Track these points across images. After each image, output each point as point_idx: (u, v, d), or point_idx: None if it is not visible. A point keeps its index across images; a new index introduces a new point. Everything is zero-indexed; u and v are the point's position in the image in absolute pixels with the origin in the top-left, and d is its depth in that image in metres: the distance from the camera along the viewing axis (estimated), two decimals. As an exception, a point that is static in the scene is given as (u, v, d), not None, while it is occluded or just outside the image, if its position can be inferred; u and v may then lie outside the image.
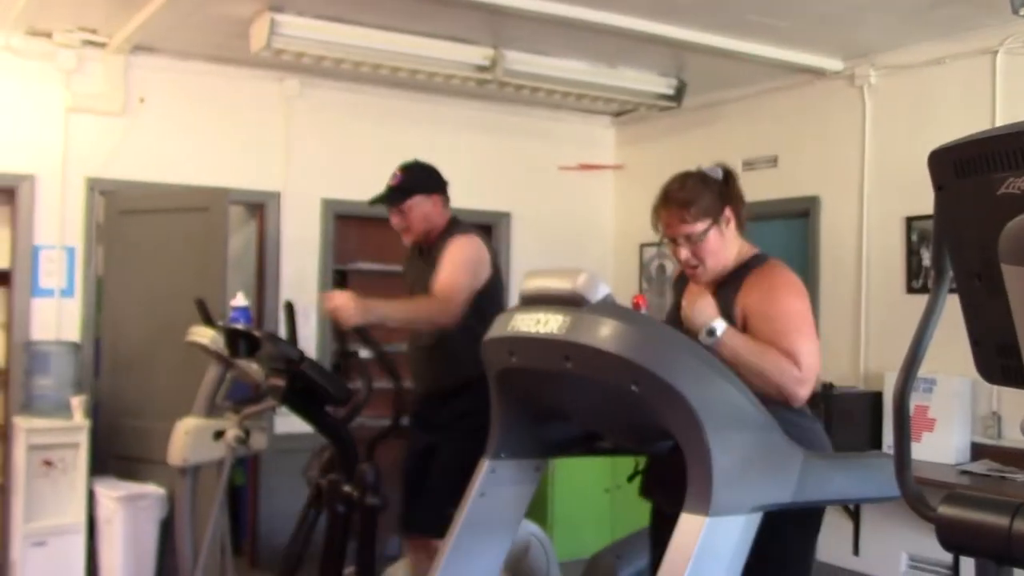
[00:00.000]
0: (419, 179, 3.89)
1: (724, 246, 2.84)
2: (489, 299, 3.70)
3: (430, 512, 3.66)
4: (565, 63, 5.97)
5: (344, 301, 3.39)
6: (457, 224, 3.94)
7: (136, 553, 5.16)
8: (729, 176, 2.92)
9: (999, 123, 4.66)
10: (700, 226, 2.80)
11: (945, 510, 1.35)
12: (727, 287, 2.82)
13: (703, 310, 2.65)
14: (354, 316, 3.38)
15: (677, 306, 2.99)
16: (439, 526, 3.50)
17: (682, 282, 3.06)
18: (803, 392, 2.62)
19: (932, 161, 1.32)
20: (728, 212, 2.84)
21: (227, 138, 6.09)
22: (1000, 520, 1.29)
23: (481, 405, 2.54)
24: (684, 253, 2.84)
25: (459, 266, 3.68)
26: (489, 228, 6.82)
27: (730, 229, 2.85)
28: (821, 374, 3.02)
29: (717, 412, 1.90)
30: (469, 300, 3.64)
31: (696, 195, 2.82)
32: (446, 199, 3.94)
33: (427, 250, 3.91)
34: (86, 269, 5.70)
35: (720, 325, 2.61)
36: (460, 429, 3.55)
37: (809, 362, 2.63)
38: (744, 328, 2.72)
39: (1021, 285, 1.18)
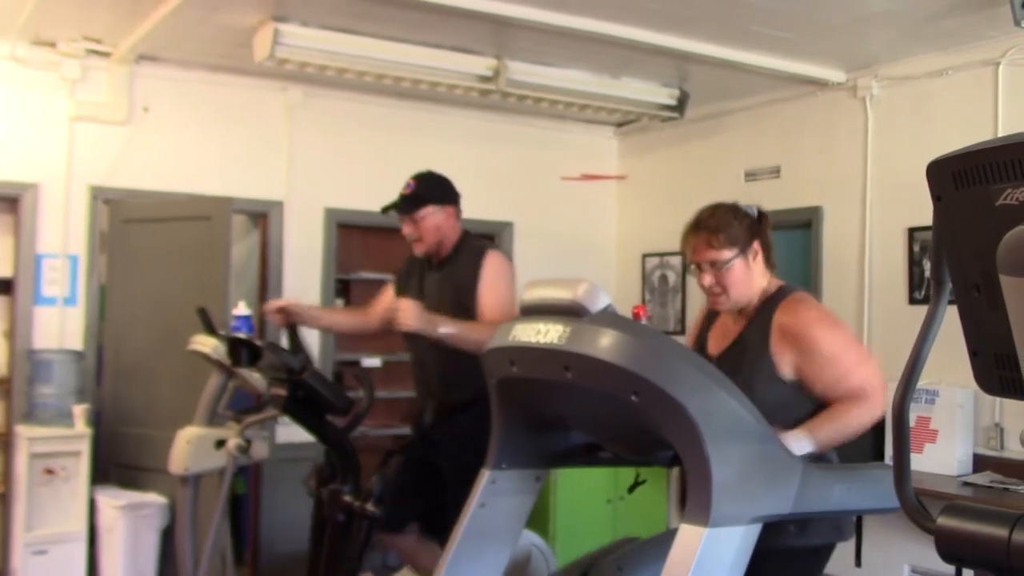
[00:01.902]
0: (432, 189, 3.88)
1: (749, 278, 2.88)
2: None
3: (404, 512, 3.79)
4: (568, 73, 5.98)
5: (410, 305, 3.50)
6: (471, 237, 3.96)
7: (137, 562, 5.16)
8: (762, 216, 2.96)
9: (1001, 134, 4.67)
10: (727, 254, 2.84)
11: (944, 521, 1.35)
12: (756, 322, 2.85)
13: (793, 443, 2.55)
14: (414, 321, 3.47)
15: (703, 334, 3.07)
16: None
17: (710, 318, 3.09)
18: (882, 411, 2.73)
19: (931, 172, 1.32)
20: (756, 246, 2.88)
21: (230, 147, 6.11)
22: (999, 531, 1.28)
23: (487, 421, 2.54)
24: (708, 279, 2.87)
25: (504, 289, 3.73)
26: (492, 238, 6.83)
27: (757, 263, 2.89)
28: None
29: (717, 423, 1.90)
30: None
31: (726, 224, 2.87)
32: (458, 211, 3.94)
33: (441, 264, 3.91)
34: (89, 278, 5.71)
35: (805, 445, 2.58)
36: (464, 445, 3.55)
37: (875, 385, 2.74)
38: (795, 373, 2.76)
39: (1020, 296, 1.18)
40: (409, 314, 3.49)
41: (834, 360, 2.74)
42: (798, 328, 2.77)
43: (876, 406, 2.72)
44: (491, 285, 3.72)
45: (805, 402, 2.76)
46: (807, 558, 2.81)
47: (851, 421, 2.70)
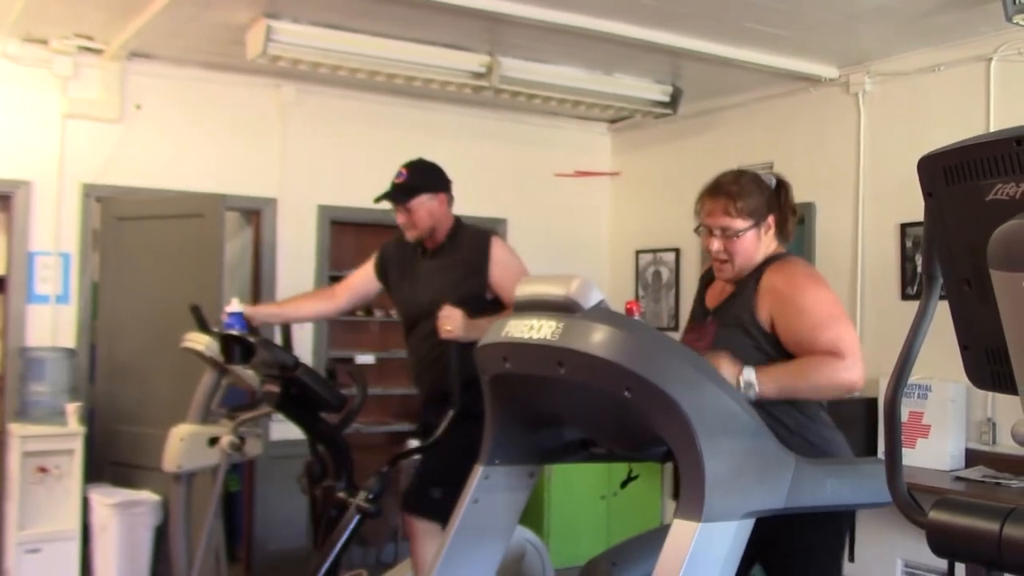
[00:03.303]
0: (425, 177, 3.91)
1: (756, 250, 2.86)
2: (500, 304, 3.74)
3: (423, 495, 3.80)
4: (561, 70, 5.98)
5: (454, 313, 3.53)
6: (466, 226, 3.98)
7: (131, 560, 5.15)
8: (781, 186, 2.93)
9: (994, 130, 4.68)
10: (741, 223, 2.82)
11: (936, 516, 1.36)
12: (746, 282, 2.84)
13: (726, 371, 2.57)
14: (457, 329, 3.49)
15: (701, 300, 3.04)
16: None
17: (707, 276, 3.07)
18: (856, 376, 2.61)
19: (922, 168, 1.33)
20: (771, 220, 2.86)
21: (223, 144, 6.10)
22: (990, 525, 1.29)
23: (480, 406, 2.54)
24: (716, 245, 2.85)
25: (522, 273, 3.69)
26: (480, 227, 6.81)
27: (768, 236, 2.88)
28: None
29: (710, 418, 1.90)
30: (479, 304, 3.68)
31: (747, 193, 2.84)
32: (451, 198, 3.97)
33: (436, 252, 3.92)
34: (82, 275, 5.70)
35: (749, 373, 2.58)
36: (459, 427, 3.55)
37: (851, 345, 2.64)
38: (772, 326, 2.73)
39: (1010, 290, 1.18)
40: (453, 322, 3.51)
41: (811, 310, 2.69)
42: (781, 281, 2.76)
43: (850, 367, 2.60)
44: (508, 272, 3.74)
45: (779, 358, 2.74)
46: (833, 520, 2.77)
47: (818, 374, 2.59)
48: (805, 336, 2.68)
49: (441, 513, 3.65)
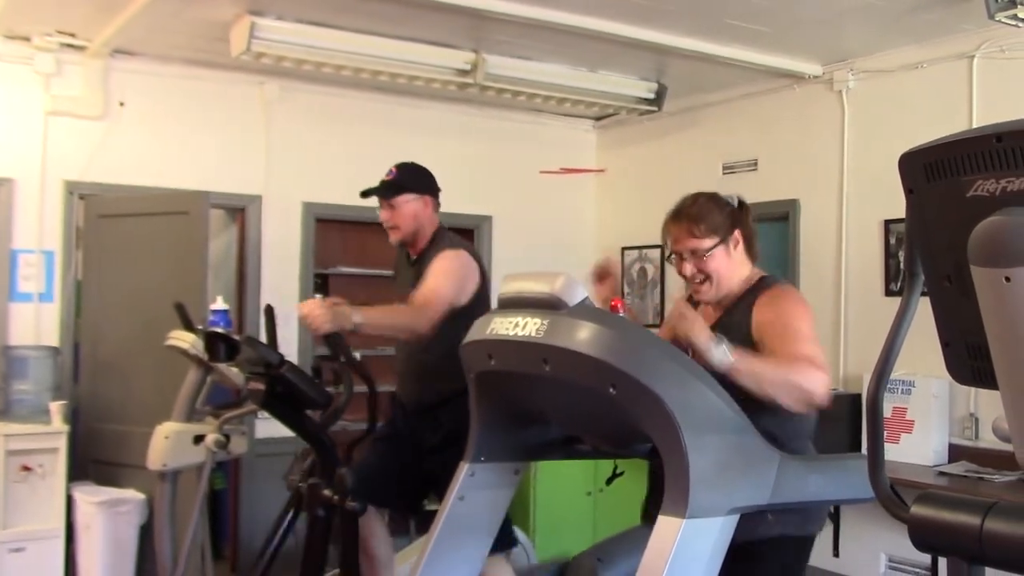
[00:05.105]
0: (413, 178, 3.91)
1: (731, 267, 2.87)
2: (479, 313, 3.71)
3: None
4: (546, 67, 5.98)
5: (313, 308, 3.33)
6: (445, 236, 3.96)
7: (115, 559, 5.13)
8: (743, 205, 2.96)
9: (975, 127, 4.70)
10: (707, 242, 2.84)
11: (918, 510, 1.37)
12: (737, 310, 2.84)
13: (699, 330, 2.53)
14: (325, 323, 3.31)
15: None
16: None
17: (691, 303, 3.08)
18: (824, 392, 2.57)
19: (903, 165, 1.33)
20: (737, 235, 2.88)
21: (207, 142, 6.07)
22: (972, 520, 1.30)
23: (465, 422, 2.54)
24: (689, 268, 2.87)
25: (442, 276, 3.68)
26: (471, 232, 6.82)
27: (738, 252, 2.89)
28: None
29: (694, 415, 1.91)
30: (452, 312, 3.62)
31: (707, 212, 2.86)
32: (437, 204, 3.96)
33: (417, 260, 3.92)
34: (65, 273, 5.67)
35: (725, 342, 2.54)
36: (447, 440, 3.56)
37: (820, 363, 2.61)
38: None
39: (990, 287, 1.19)
40: (315, 316, 3.31)
41: (790, 330, 2.68)
42: (774, 302, 2.77)
43: (819, 380, 2.55)
44: (431, 273, 3.71)
45: None
46: (788, 548, 2.80)
47: (787, 373, 2.54)
48: (782, 348, 2.65)
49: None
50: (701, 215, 2.85)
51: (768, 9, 4.91)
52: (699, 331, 2.49)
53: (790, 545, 2.78)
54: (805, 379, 2.54)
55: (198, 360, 4.24)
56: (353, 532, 3.54)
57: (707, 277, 2.86)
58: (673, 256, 2.93)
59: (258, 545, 5.97)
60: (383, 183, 3.89)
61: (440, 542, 2.42)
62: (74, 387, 5.70)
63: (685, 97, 6.62)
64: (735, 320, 2.81)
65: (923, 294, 1.40)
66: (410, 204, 3.86)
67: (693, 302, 3.07)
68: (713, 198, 2.93)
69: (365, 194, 3.91)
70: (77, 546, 5.18)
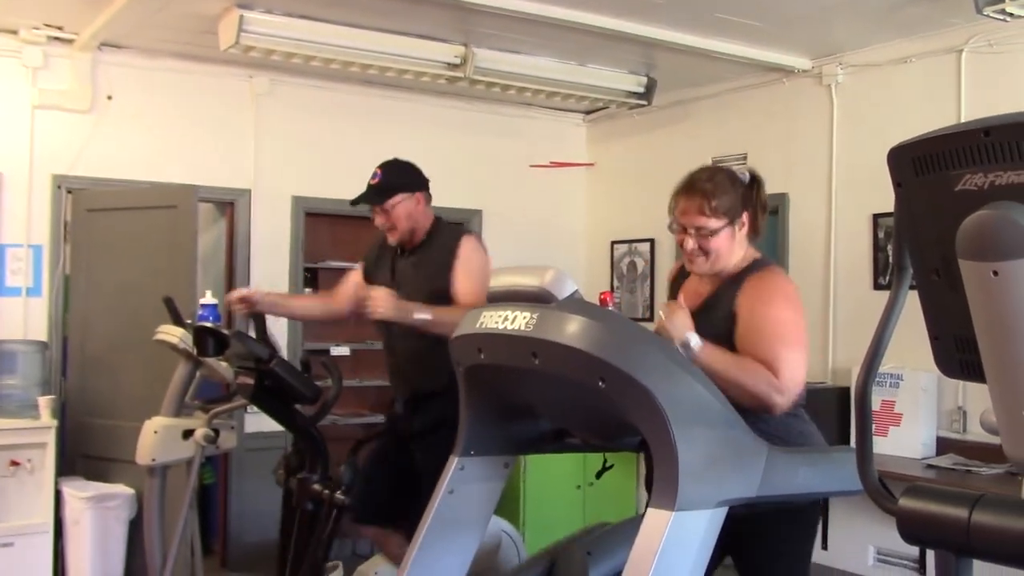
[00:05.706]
0: (400, 177, 3.88)
1: (731, 247, 2.83)
2: None
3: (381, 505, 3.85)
4: (536, 61, 5.98)
5: (381, 294, 3.54)
6: (444, 224, 3.96)
7: (104, 554, 5.12)
8: (755, 181, 2.90)
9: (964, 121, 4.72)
10: (716, 223, 2.79)
11: (906, 503, 1.37)
12: (726, 291, 2.81)
13: (680, 324, 2.59)
14: (387, 310, 3.50)
15: (673, 296, 3.00)
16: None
17: (679, 280, 3.06)
18: (780, 400, 2.58)
19: (891, 158, 1.34)
20: (745, 217, 2.84)
21: (196, 135, 6.05)
22: (959, 512, 1.31)
23: (455, 412, 2.54)
24: (691, 243, 2.82)
25: (479, 273, 3.68)
26: (460, 226, 6.81)
27: (742, 234, 2.85)
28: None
29: (683, 408, 1.91)
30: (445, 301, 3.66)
31: (722, 191, 2.80)
32: (428, 196, 3.93)
33: (414, 251, 3.90)
34: (53, 268, 5.64)
35: (695, 339, 2.56)
36: (437, 433, 3.55)
37: (790, 372, 2.60)
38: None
39: (978, 280, 1.20)
40: (382, 302, 3.49)
41: (765, 329, 2.66)
42: (757, 290, 2.75)
43: (777, 389, 2.56)
44: (466, 269, 3.72)
45: None
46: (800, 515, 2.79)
47: (743, 373, 2.53)
48: (755, 345, 2.64)
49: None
50: (715, 192, 2.79)
51: (757, 3, 4.92)
52: (673, 326, 2.52)
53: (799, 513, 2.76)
54: (760, 385, 2.56)
55: (187, 354, 4.22)
56: (335, 526, 3.53)
57: (705, 254, 2.83)
58: (676, 226, 2.87)
59: (248, 540, 6.01)
60: (371, 188, 3.85)
61: (430, 536, 2.42)
62: (62, 382, 5.69)
63: (675, 91, 6.62)
64: (722, 301, 2.80)
65: (912, 288, 1.40)
66: (402, 204, 3.83)
67: (679, 276, 3.06)
68: (730, 175, 2.86)
69: (356, 202, 3.89)
70: (66, 541, 5.17)
